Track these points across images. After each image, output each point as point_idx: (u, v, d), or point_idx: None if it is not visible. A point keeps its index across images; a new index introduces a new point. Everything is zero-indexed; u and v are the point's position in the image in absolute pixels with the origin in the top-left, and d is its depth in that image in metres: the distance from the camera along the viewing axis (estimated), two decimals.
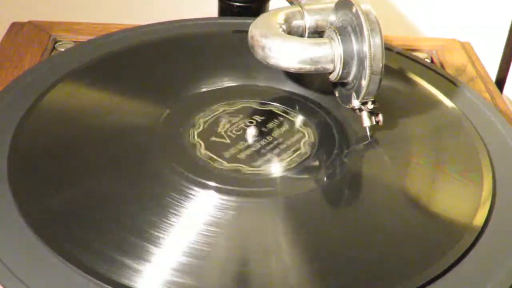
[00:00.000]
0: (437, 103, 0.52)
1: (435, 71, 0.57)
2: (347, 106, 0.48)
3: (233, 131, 0.48)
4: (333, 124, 0.49)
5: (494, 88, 0.59)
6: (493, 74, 0.73)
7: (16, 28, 0.61)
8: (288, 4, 0.53)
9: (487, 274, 0.39)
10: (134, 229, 0.40)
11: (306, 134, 0.48)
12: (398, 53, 0.58)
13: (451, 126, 0.51)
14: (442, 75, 0.56)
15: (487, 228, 0.42)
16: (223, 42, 0.58)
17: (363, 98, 0.45)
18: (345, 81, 0.47)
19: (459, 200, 0.44)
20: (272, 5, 0.65)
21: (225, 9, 0.65)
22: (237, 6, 0.64)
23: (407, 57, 0.58)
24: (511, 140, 0.49)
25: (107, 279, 0.37)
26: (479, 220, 0.42)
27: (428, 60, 0.61)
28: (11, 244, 0.39)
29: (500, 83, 0.75)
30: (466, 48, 0.64)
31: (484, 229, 0.42)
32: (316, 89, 0.52)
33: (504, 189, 0.45)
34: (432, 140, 0.50)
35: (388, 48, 0.58)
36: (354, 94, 0.46)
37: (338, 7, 0.47)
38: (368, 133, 0.47)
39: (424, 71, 0.56)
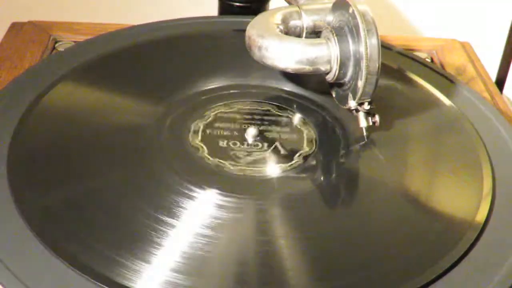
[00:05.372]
0: (436, 102, 0.52)
1: (434, 70, 0.57)
2: (344, 107, 0.48)
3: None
4: (332, 124, 0.49)
5: (494, 88, 0.59)
6: (493, 74, 0.73)
7: (16, 28, 0.61)
8: (286, 4, 0.53)
9: (487, 274, 0.39)
10: (134, 229, 0.40)
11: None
12: (397, 52, 0.58)
13: (451, 126, 0.50)
14: (442, 75, 0.56)
15: (487, 227, 0.42)
16: (223, 41, 0.58)
17: (359, 99, 0.45)
18: (341, 81, 0.47)
19: (459, 200, 0.44)
20: (272, 5, 0.65)
21: (225, 8, 0.65)
22: (237, 6, 0.64)
23: (406, 56, 0.58)
24: (510, 140, 0.49)
25: (106, 279, 0.37)
26: (479, 220, 0.42)
27: (428, 60, 0.61)
28: (10, 243, 0.39)
29: (500, 83, 0.75)
30: (466, 48, 0.64)
31: (484, 228, 0.42)
32: (315, 89, 0.52)
33: (503, 189, 0.45)
34: (432, 139, 0.50)
35: (387, 48, 0.58)
36: (350, 95, 0.46)
37: (335, 7, 0.47)
38: (365, 134, 0.47)
39: (423, 71, 0.56)
